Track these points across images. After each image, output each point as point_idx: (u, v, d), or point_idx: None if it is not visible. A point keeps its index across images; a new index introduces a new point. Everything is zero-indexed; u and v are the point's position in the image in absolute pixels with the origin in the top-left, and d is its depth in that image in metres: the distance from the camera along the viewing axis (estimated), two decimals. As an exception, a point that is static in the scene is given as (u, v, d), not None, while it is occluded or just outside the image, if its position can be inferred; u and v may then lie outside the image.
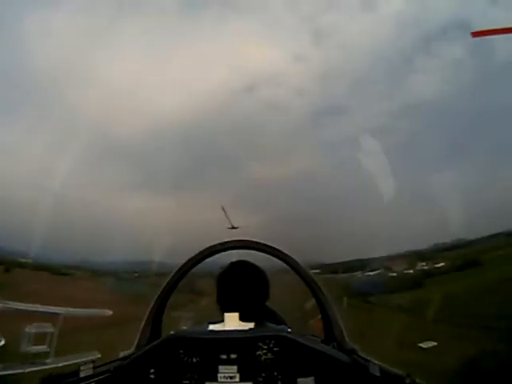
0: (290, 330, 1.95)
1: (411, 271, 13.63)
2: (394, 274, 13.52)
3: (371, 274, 13.42)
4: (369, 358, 1.81)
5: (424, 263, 13.97)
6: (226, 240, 2.48)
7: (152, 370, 1.61)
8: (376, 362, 1.73)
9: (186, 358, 1.59)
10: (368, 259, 13.64)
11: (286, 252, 2.45)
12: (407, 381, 1.60)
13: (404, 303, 9.88)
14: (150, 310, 2.34)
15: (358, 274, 14.03)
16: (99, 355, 5.03)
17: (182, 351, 1.59)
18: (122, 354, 1.98)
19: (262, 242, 2.46)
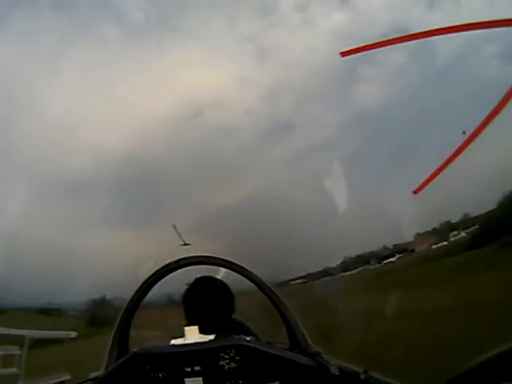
0: (256, 339, 2.07)
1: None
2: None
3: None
4: (329, 358, 1.89)
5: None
6: (181, 257, 2.56)
7: None
8: (335, 361, 1.82)
9: (152, 374, 1.60)
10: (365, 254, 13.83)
11: (241, 264, 2.54)
12: (362, 376, 1.69)
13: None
14: (114, 330, 2.40)
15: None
16: (69, 376, 5.01)
17: (147, 367, 1.61)
18: (92, 375, 2.02)
19: (216, 256, 2.54)
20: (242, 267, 2.54)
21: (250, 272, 2.54)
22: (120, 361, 1.76)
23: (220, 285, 2.20)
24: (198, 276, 2.24)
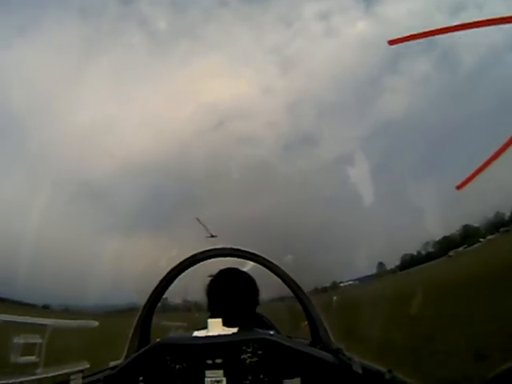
0: (278, 333, 2.04)
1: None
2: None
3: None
4: (352, 356, 1.84)
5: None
6: (207, 248, 2.54)
7: (141, 378, 1.63)
8: (358, 359, 1.78)
9: (172, 365, 1.61)
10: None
11: (267, 258, 2.51)
12: (387, 376, 1.68)
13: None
14: (137, 320, 2.40)
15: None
16: (88, 365, 5.04)
17: (168, 358, 1.61)
18: (111, 364, 2.01)
19: (243, 248, 2.52)
20: (267, 260, 2.50)
21: (275, 265, 2.50)
22: (142, 350, 1.75)
23: (245, 276, 2.13)
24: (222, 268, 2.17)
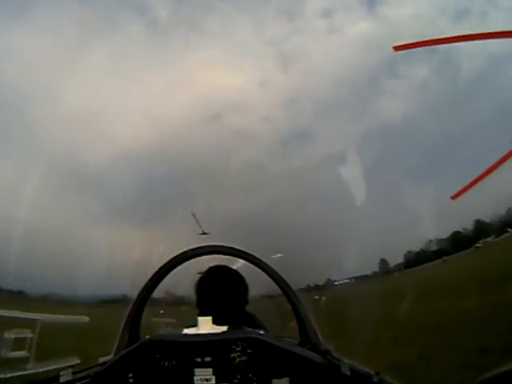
0: (267, 333, 2.04)
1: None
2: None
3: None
4: (340, 357, 1.83)
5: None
6: (198, 246, 2.54)
7: (130, 375, 1.63)
8: (346, 361, 1.76)
9: (162, 362, 1.61)
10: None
11: (257, 256, 2.51)
12: (375, 379, 1.64)
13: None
14: (126, 316, 2.40)
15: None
16: (78, 361, 5.04)
17: (158, 355, 1.61)
18: (101, 360, 2.00)
19: (233, 246, 2.52)
20: (257, 258, 2.50)
21: (264, 263, 2.50)
22: (132, 347, 1.75)
23: (234, 274, 2.13)
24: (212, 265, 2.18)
